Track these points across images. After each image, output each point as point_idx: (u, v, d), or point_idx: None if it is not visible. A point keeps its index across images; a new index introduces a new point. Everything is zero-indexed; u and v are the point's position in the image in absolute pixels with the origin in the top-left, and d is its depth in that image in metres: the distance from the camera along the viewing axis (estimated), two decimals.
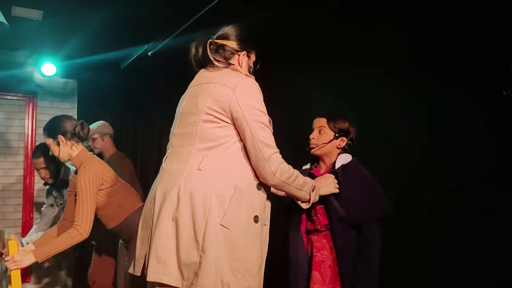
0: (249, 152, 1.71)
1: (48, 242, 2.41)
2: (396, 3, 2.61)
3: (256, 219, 1.69)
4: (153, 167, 4.65)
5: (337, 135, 2.18)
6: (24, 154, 4.60)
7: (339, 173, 2.09)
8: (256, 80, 1.80)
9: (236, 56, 1.88)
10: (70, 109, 4.78)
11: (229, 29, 1.90)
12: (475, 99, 2.36)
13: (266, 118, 1.73)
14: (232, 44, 1.87)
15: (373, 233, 2.08)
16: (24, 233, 4.49)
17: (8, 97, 4.56)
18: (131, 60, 4.29)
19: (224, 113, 1.69)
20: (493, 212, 2.25)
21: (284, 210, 2.22)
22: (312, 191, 1.86)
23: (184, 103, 1.85)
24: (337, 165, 2.13)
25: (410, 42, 2.70)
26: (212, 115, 1.70)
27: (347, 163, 2.13)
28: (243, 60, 1.89)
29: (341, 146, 2.20)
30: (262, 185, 1.75)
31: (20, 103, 4.63)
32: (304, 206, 1.90)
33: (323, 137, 2.19)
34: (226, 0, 2.72)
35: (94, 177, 2.46)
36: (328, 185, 2.04)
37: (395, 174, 2.68)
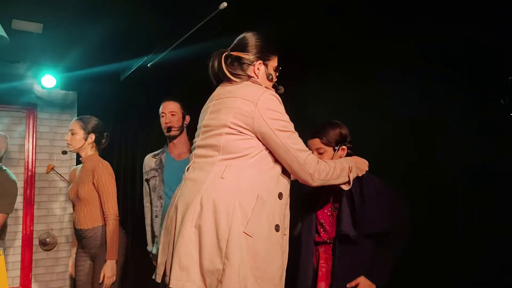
0: (285, 162, 1.76)
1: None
2: (395, 11, 2.63)
3: (277, 228, 1.71)
4: None
5: (336, 148, 2.18)
6: (24, 166, 4.59)
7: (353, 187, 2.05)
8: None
9: (251, 67, 1.87)
10: (70, 121, 4.76)
11: (242, 39, 1.90)
12: (474, 108, 2.37)
13: (291, 126, 1.77)
14: (246, 55, 1.86)
15: (394, 240, 2.09)
16: (24, 246, 4.48)
17: (8, 109, 4.58)
18: (130, 72, 4.30)
19: (247, 127, 1.73)
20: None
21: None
22: (350, 172, 1.93)
23: (207, 116, 1.86)
24: None
25: (409, 48, 2.72)
26: (236, 129, 1.73)
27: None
28: (260, 70, 1.88)
29: (344, 155, 2.19)
30: (283, 194, 1.77)
31: (20, 115, 4.65)
32: (345, 187, 1.98)
33: (325, 156, 2.17)
34: (225, 12, 2.74)
35: (111, 172, 2.92)
36: (362, 164, 2.04)
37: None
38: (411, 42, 2.70)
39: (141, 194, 3.64)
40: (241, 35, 1.91)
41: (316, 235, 2.19)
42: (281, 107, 1.77)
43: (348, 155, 2.18)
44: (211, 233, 1.62)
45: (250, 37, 1.89)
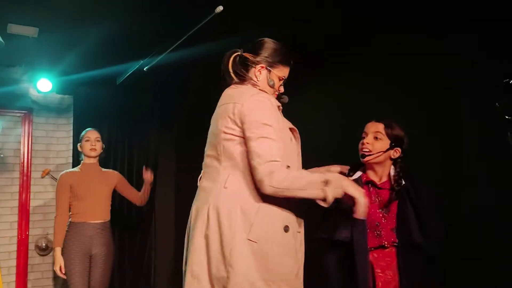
0: (249, 163, 1.73)
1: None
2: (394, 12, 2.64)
3: (286, 229, 1.72)
4: None
5: (393, 144, 2.03)
6: (20, 170, 4.57)
7: (409, 188, 1.97)
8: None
9: (253, 69, 1.88)
10: (66, 125, 4.78)
11: (257, 42, 1.92)
12: (469, 111, 2.37)
13: (268, 131, 1.71)
14: (253, 57, 1.88)
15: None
16: (19, 251, 4.45)
17: (4, 113, 4.55)
18: (126, 75, 4.30)
19: (238, 128, 1.75)
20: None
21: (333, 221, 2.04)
22: (326, 185, 1.66)
23: (212, 124, 1.92)
24: (393, 178, 2.04)
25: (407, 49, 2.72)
26: (230, 134, 1.76)
27: (413, 177, 2.02)
28: (262, 74, 1.87)
29: (395, 157, 2.05)
30: None
31: (16, 119, 4.62)
32: (322, 204, 1.69)
33: (379, 144, 2.03)
34: (222, 15, 2.74)
35: None
36: (341, 178, 1.74)
37: None
38: (404, 44, 2.71)
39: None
40: (259, 39, 1.93)
41: (373, 238, 2.01)
42: (267, 110, 1.75)
43: (400, 167, 2.06)
44: (216, 242, 1.68)
45: (265, 42, 1.91)
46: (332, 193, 1.66)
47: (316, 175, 1.72)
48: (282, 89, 1.96)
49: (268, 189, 1.66)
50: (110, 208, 3.48)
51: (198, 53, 3.43)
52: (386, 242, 1.99)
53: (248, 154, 1.71)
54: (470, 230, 2.27)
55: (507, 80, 1.81)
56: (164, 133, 4.99)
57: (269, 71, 1.87)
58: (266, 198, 1.69)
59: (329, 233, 2.03)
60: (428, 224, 1.93)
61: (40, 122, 4.71)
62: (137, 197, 3.63)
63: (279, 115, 1.84)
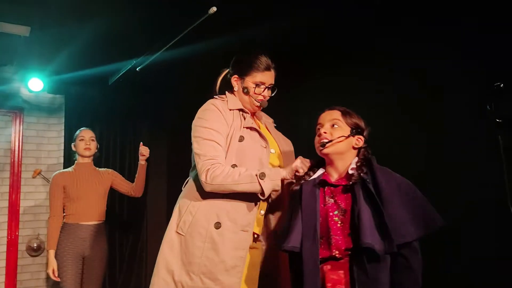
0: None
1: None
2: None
3: (217, 225, 1.84)
4: None
5: (354, 131, 1.78)
6: (10, 170, 4.53)
7: (367, 180, 1.65)
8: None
9: (231, 81, 2.09)
10: (58, 125, 4.74)
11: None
12: (460, 114, 2.39)
13: (206, 132, 1.90)
14: (229, 72, 2.12)
15: (415, 253, 1.60)
16: (9, 251, 4.41)
17: None
18: (119, 75, 4.28)
19: None
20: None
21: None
22: (261, 178, 1.79)
23: None
24: (352, 170, 1.72)
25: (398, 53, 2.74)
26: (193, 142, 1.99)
27: (373, 166, 1.70)
28: (238, 84, 2.07)
29: (358, 147, 1.79)
30: (234, 194, 1.86)
31: (7, 118, 4.59)
32: (261, 197, 1.84)
33: (338, 131, 1.76)
34: (214, 16, 2.74)
35: None
36: (278, 170, 1.88)
37: None
38: (397, 46, 2.72)
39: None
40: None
41: (321, 248, 1.67)
42: (209, 115, 1.94)
43: (363, 157, 1.76)
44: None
45: (236, 56, 2.12)
46: (267, 185, 1.80)
47: (252, 170, 1.83)
48: (266, 93, 2.07)
49: (206, 187, 1.84)
50: (106, 208, 3.45)
51: (191, 54, 3.43)
52: (337, 252, 1.65)
53: (194, 155, 1.93)
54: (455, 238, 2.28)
55: (498, 84, 1.82)
56: (156, 133, 4.98)
57: (243, 80, 2.05)
58: (206, 196, 1.87)
59: (280, 242, 1.76)
60: (392, 224, 1.56)
61: (31, 122, 4.68)
62: (133, 188, 3.57)
63: (224, 118, 1.95)
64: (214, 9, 2.70)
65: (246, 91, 2.03)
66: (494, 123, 1.85)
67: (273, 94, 2.10)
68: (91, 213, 3.31)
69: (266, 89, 2.06)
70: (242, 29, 2.76)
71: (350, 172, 1.72)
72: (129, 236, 4.76)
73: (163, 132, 5.04)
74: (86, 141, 3.41)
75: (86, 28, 3.32)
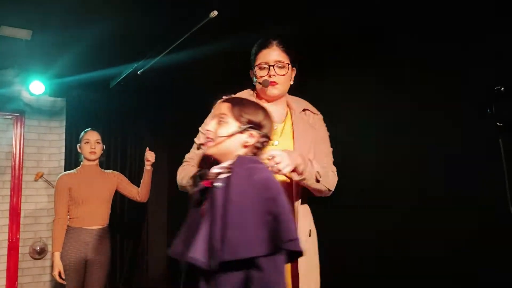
0: None
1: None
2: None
3: None
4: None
5: (243, 126, 1.47)
6: (11, 173, 4.54)
7: (216, 185, 1.40)
8: None
9: (251, 76, 2.02)
10: (59, 128, 4.76)
11: None
12: (460, 118, 2.39)
13: (198, 138, 1.96)
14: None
15: (275, 268, 1.28)
16: (9, 254, 4.41)
17: None
18: (120, 78, 4.29)
19: None
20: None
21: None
22: (198, 173, 1.69)
23: None
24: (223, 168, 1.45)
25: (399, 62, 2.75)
26: None
27: (235, 161, 1.42)
28: (252, 76, 1.98)
29: (249, 145, 1.48)
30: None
31: (8, 121, 4.60)
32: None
33: (223, 128, 1.48)
34: (216, 19, 2.75)
35: None
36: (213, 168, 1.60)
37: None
38: (399, 53, 2.73)
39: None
40: None
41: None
42: (208, 118, 1.91)
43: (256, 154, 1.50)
44: None
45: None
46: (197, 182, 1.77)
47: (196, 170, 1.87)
48: (272, 72, 1.86)
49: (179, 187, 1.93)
50: (110, 211, 3.41)
51: (192, 57, 3.44)
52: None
53: None
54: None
55: (498, 87, 1.83)
56: (157, 136, 4.98)
57: (253, 70, 1.95)
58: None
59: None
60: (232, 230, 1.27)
61: (32, 125, 4.69)
62: (138, 193, 3.50)
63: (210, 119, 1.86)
64: (215, 13, 2.71)
65: (255, 80, 1.92)
66: (495, 127, 1.86)
67: (288, 72, 1.89)
68: (95, 217, 3.27)
69: (271, 68, 1.86)
70: (243, 32, 2.77)
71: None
72: (130, 238, 4.76)
73: (164, 135, 5.04)
74: (92, 144, 3.37)
75: (87, 32, 3.33)
